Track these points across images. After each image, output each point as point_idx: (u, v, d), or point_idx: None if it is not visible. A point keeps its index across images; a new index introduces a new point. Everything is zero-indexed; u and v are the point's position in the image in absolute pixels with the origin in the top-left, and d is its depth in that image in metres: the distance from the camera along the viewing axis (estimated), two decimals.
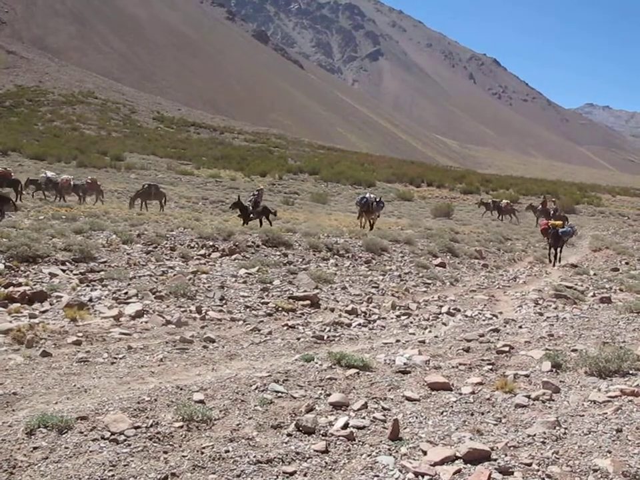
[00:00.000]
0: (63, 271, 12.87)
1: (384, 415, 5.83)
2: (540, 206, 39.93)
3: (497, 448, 5.01)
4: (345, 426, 5.51)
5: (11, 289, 10.90)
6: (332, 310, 12.21)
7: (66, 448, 4.96)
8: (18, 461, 4.74)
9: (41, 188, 31.32)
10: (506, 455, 4.89)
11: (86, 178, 34.21)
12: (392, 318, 12.13)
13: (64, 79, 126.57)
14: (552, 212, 37.14)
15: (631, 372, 6.94)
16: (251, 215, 23.48)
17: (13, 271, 12.26)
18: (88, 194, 32.37)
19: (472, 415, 5.85)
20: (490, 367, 7.52)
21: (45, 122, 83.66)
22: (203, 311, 10.92)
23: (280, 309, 11.66)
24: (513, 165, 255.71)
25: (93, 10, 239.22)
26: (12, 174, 29.74)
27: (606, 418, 5.59)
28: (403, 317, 12.15)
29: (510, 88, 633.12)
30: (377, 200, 26.56)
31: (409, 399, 6.32)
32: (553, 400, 6.19)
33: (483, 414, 5.87)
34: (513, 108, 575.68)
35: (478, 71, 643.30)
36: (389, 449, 5.10)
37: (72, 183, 31.37)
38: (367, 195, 27.19)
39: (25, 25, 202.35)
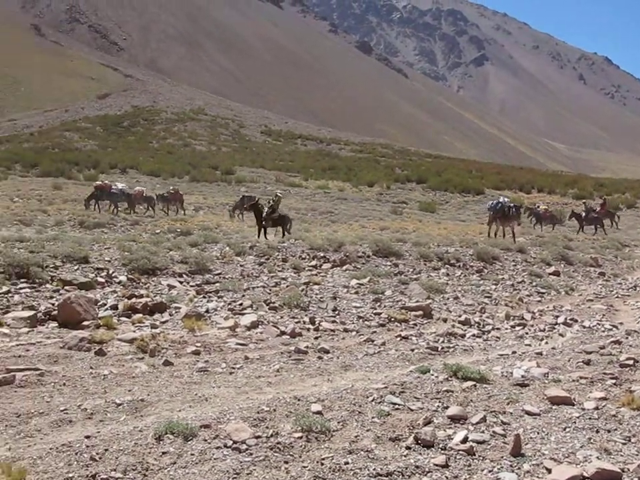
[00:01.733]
0: (180, 282, 13.32)
1: (504, 430, 5.70)
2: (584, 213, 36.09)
3: (628, 470, 4.78)
4: (465, 440, 5.41)
5: (133, 300, 11.36)
6: (445, 320, 12.08)
7: (192, 454, 5.13)
8: (149, 464, 4.95)
9: (114, 199, 32.14)
10: (639, 478, 4.67)
11: (169, 189, 35.18)
12: (506, 328, 11.87)
13: (176, 97, 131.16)
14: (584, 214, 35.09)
15: None
16: (263, 222, 22.27)
17: (134, 283, 12.79)
18: (171, 204, 33.26)
19: (597, 432, 5.62)
20: (613, 381, 7.19)
21: (159, 139, 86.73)
22: (316, 322, 11.02)
23: (392, 319, 11.63)
24: (628, 168, 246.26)
25: (201, 31, 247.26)
26: (112, 187, 31.02)
27: None
28: (517, 328, 11.87)
29: (623, 87, 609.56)
30: (514, 206, 24.72)
31: (528, 413, 6.14)
32: None
33: (609, 431, 5.62)
34: (628, 108, 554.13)
35: (588, 71, 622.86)
36: (511, 465, 4.98)
37: (144, 194, 32.39)
38: (501, 199, 25.40)
39: (140, 50, 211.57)
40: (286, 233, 22.26)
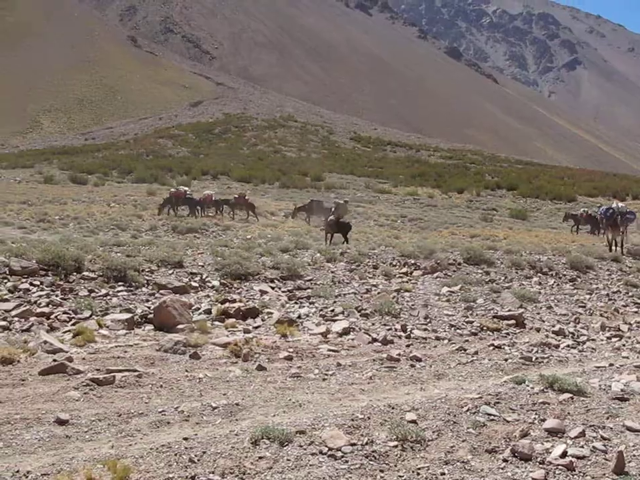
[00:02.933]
0: (272, 288, 13.46)
1: (604, 445, 5.51)
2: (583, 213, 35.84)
3: None
4: (564, 454, 5.27)
5: (226, 304, 11.56)
6: (538, 330, 11.81)
7: (288, 460, 5.18)
8: (246, 468, 5.03)
9: (191, 205, 32.62)
10: None
11: (234, 194, 35.58)
12: (602, 340, 11.50)
13: (266, 104, 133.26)
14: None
15: None
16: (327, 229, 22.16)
17: (227, 288, 13.01)
18: (237, 209, 33.54)
19: None
20: None
21: (250, 146, 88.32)
22: (408, 330, 10.96)
23: (485, 328, 11.45)
24: None
25: (291, 39, 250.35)
26: (187, 193, 31.70)
27: None
28: (614, 339, 11.47)
29: None
30: (627, 211, 22.60)
31: (630, 429, 5.92)
32: None
33: None
34: None
35: None
36: None
37: (214, 198, 32.80)
38: (614, 205, 23.13)
39: (232, 58, 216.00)
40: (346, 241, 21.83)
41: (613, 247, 21.68)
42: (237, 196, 34.28)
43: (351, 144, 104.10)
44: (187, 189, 34.09)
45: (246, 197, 33.78)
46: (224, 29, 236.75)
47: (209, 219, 31.09)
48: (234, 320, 10.83)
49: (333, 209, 23.26)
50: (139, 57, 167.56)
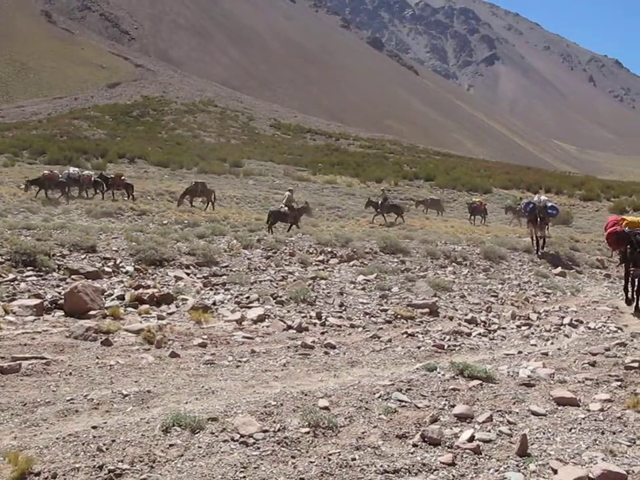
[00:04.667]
0: (188, 274, 13.33)
1: (510, 429, 5.71)
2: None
3: (633, 472, 4.79)
4: (471, 439, 5.42)
5: (140, 290, 11.37)
6: (451, 318, 12.05)
7: (199, 447, 5.14)
8: (157, 456, 4.97)
9: (62, 187, 31.74)
10: None
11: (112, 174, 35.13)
12: (512, 328, 11.84)
13: (186, 88, 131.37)
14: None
15: None
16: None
17: (141, 274, 12.81)
18: (115, 189, 33.08)
19: (602, 433, 5.63)
20: (618, 383, 7.20)
21: (168, 130, 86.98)
22: (323, 317, 11.02)
23: (399, 316, 11.60)
24: (635, 171, 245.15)
25: (213, 23, 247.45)
26: (59, 176, 31.03)
27: None
28: (523, 328, 11.83)
29: (633, 90, 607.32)
30: (548, 206, 21.28)
31: (534, 413, 6.15)
32: None
33: (614, 433, 5.63)
34: (636, 111, 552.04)
35: (598, 73, 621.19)
36: (517, 465, 4.99)
37: (92, 179, 32.29)
38: (535, 199, 22.10)
39: (151, 40, 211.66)
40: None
41: (534, 242, 21.19)
42: (113, 176, 33.73)
43: (271, 131, 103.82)
44: (73, 169, 33.02)
45: (122, 178, 33.27)
46: (144, 9, 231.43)
47: (124, 202, 30.47)
48: (148, 306, 10.67)
49: (284, 199, 24.65)
50: (53, 34, 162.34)
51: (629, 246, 13.37)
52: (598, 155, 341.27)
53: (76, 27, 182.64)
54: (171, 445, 5.16)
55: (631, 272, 13.40)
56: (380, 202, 31.44)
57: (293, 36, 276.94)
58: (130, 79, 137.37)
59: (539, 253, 20.34)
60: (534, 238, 21.24)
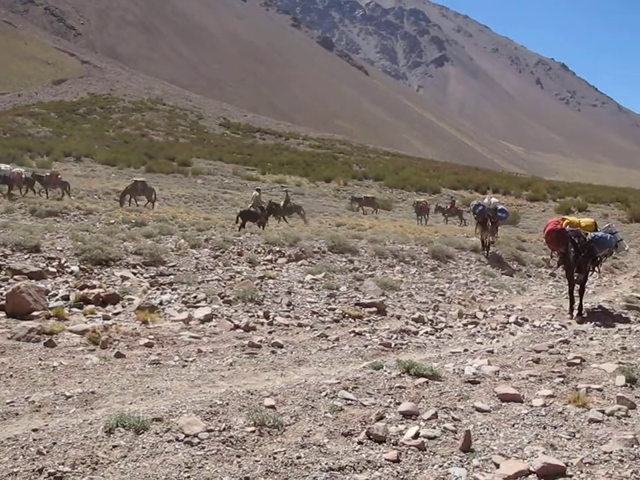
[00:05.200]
0: (134, 274, 13.16)
1: (454, 426, 5.77)
2: (449, 206, 39.61)
3: (572, 464, 4.90)
4: (416, 435, 5.47)
5: (85, 290, 11.18)
6: (398, 317, 12.14)
7: (143, 448, 5.08)
8: (100, 458, 4.89)
9: None
10: (581, 472, 4.78)
11: (47, 171, 34.49)
12: (459, 326, 11.98)
13: (134, 86, 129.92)
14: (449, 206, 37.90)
15: None
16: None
17: (87, 273, 12.60)
18: (50, 187, 32.52)
19: (544, 428, 5.74)
20: (561, 379, 7.36)
21: (116, 128, 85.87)
22: (271, 316, 10.99)
23: (347, 315, 11.64)
24: (580, 172, 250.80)
25: (162, 20, 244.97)
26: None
27: None
28: (470, 326, 11.98)
29: (578, 93, 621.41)
30: (498, 208, 20.71)
31: (479, 409, 6.24)
32: (629, 416, 6.03)
33: (555, 428, 5.74)
34: (582, 113, 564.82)
35: (545, 76, 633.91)
36: (461, 461, 5.05)
37: (23, 176, 31.72)
38: (485, 201, 21.48)
39: (98, 36, 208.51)
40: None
41: (483, 244, 20.87)
42: (48, 174, 33.09)
43: (220, 130, 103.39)
44: (5, 166, 32.16)
45: (59, 176, 32.70)
46: (91, 4, 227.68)
47: (71, 202, 29.94)
48: (93, 306, 10.50)
49: (252, 199, 25.24)
50: None
51: (572, 249, 12.98)
52: (545, 157, 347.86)
53: (19, 20, 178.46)
54: (114, 446, 5.09)
55: (575, 276, 13.09)
56: (282, 203, 31.03)
57: (244, 35, 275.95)
58: (76, 75, 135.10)
59: (488, 255, 20.36)
60: (483, 240, 20.92)
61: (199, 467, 4.79)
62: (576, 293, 13.29)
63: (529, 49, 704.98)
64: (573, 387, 7.05)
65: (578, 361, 8.17)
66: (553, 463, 4.81)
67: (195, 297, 11.79)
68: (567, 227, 13.44)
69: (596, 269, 14.22)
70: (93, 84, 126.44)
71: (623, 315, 13.24)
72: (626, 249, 14.80)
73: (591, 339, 10.31)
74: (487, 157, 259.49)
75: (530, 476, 4.74)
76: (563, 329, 11.80)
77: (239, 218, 24.15)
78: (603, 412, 6.09)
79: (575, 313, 12.96)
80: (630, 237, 32.64)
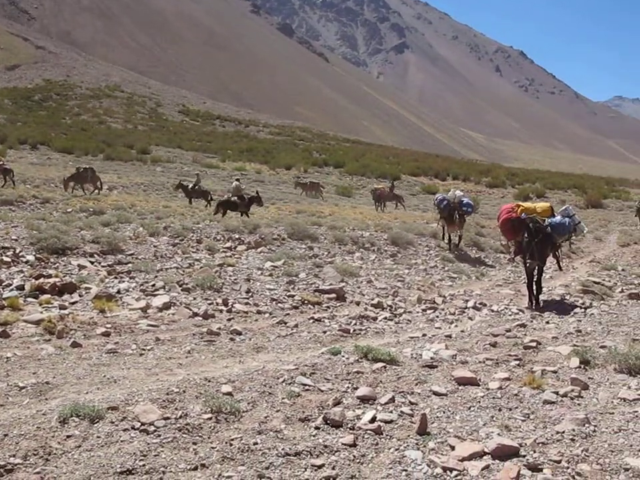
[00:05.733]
0: (92, 262, 13.01)
1: (411, 410, 5.81)
2: (388, 190, 38.58)
3: (526, 444, 4.98)
4: (373, 420, 5.51)
5: (41, 280, 11.01)
6: (358, 303, 12.18)
7: (98, 437, 5.03)
8: (53, 449, 4.83)
9: None
10: (535, 452, 4.86)
11: None
12: (418, 312, 12.05)
13: (91, 73, 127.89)
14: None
15: None
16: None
17: (43, 263, 12.42)
18: None
19: (500, 410, 5.82)
20: (517, 362, 7.47)
21: (73, 115, 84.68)
22: (230, 304, 10.95)
23: (306, 301, 11.65)
24: (539, 159, 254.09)
25: (119, 5, 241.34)
26: None
27: (636, 416, 5.53)
28: (428, 311, 12.06)
29: (537, 81, 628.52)
30: (464, 202, 19.67)
31: (436, 393, 6.30)
32: (582, 397, 6.14)
33: (510, 410, 5.83)
34: (540, 101, 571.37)
35: (504, 64, 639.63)
36: (417, 444, 5.09)
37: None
38: (449, 194, 20.34)
39: (53, 20, 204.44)
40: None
41: (446, 240, 20.04)
42: None
43: (180, 117, 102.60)
44: None
45: (1, 163, 32.07)
46: None
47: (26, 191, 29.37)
48: (49, 296, 10.35)
49: (232, 189, 25.32)
50: None
51: (526, 235, 12.53)
52: (504, 143, 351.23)
53: None
54: (68, 437, 5.03)
55: (527, 263, 12.75)
56: (190, 186, 30.84)
57: (202, 20, 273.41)
58: (30, 61, 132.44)
59: (452, 249, 19.56)
60: (448, 236, 20.03)
61: (155, 455, 4.76)
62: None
63: (488, 36, 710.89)
64: (528, 369, 7.14)
65: (534, 344, 8.29)
66: (507, 444, 4.88)
67: (153, 285, 11.70)
68: (523, 214, 12.86)
69: (557, 254, 13.72)
70: (49, 70, 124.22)
71: (579, 299, 13.44)
72: (585, 231, 14.41)
73: (548, 322, 10.48)
74: (446, 144, 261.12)
75: (484, 457, 4.80)
76: (521, 313, 11.94)
77: (219, 208, 24.01)
78: (557, 393, 6.19)
79: (534, 304, 12.60)
80: (587, 223, 33.06)
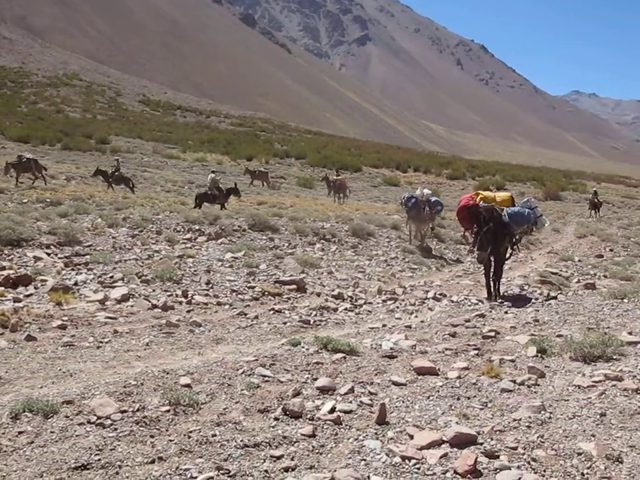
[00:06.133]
0: (48, 254, 12.80)
1: (371, 400, 5.82)
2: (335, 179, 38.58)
3: (483, 432, 5.02)
4: (332, 410, 5.50)
5: None
6: (318, 294, 12.18)
7: (52, 432, 4.93)
8: (3, 446, 4.71)
9: None
10: (492, 439, 4.90)
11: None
12: (378, 303, 12.09)
13: (48, 60, 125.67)
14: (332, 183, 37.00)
15: (614, 357, 6.98)
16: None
17: None
18: None
19: (458, 399, 5.86)
20: (476, 352, 7.54)
21: (29, 104, 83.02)
22: (189, 295, 10.87)
23: (266, 293, 11.61)
24: (499, 152, 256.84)
25: None
26: None
27: (590, 402, 5.62)
28: (389, 302, 12.11)
29: (497, 74, 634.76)
30: (432, 201, 19.45)
31: (395, 383, 6.32)
32: (538, 385, 6.22)
33: (469, 398, 5.88)
34: (500, 94, 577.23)
35: (465, 57, 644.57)
36: (376, 433, 5.10)
37: None
38: (417, 193, 19.88)
39: (7, 5, 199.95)
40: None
41: (414, 239, 19.58)
42: None
43: (140, 107, 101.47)
44: None
45: None
46: None
47: None
48: (3, 289, 10.13)
49: (209, 182, 25.38)
50: None
51: (475, 224, 12.22)
52: (465, 136, 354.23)
53: None
54: (20, 432, 4.91)
55: (476, 254, 12.50)
56: (110, 172, 30.38)
57: (164, 9, 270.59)
58: None
59: (419, 242, 19.36)
60: (415, 233, 19.66)
61: (111, 449, 4.68)
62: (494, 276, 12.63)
63: (449, 30, 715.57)
64: (487, 358, 7.22)
65: (493, 334, 8.40)
66: (465, 432, 4.92)
67: (111, 277, 11.57)
68: (481, 202, 12.42)
69: (515, 247, 13.33)
70: (3, 56, 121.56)
71: (537, 289, 13.60)
72: (546, 225, 14.08)
73: (506, 312, 10.59)
74: (408, 136, 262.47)
75: (443, 445, 4.82)
76: (480, 303, 12.04)
77: (197, 200, 24.10)
78: (514, 382, 6.26)
79: (493, 295, 12.33)
80: (545, 215, 33.60)
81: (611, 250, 22.62)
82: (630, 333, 8.02)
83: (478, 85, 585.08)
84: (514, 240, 12.97)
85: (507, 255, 13.08)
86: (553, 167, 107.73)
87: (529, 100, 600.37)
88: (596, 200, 37.26)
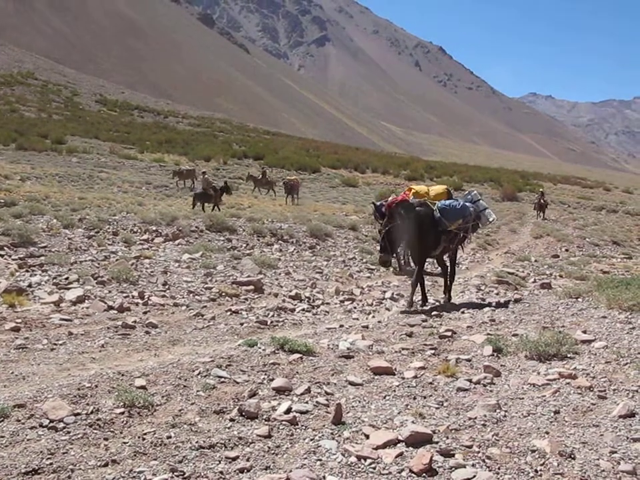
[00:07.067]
0: (1, 256, 12.60)
1: (327, 400, 5.85)
2: (260, 176, 40.14)
3: (439, 431, 5.07)
4: (288, 411, 5.51)
5: None
6: (275, 295, 12.18)
7: (2, 437, 4.83)
8: None
9: None
10: (447, 438, 4.94)
11: None
12: (335, 303, 12.14)
13: (1, 58, 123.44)
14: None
15: (569, 355, 7.10)
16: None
17: None
18: None
19: (414, 399, 5.91)
20: (432, 351, 7.62)
21: None
22: (146, 297, 10.79)
23: (223, 294, 11.59)
24: (457, 153, 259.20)
25: None
26: None
27: (544, 400, 5.71)
28: (346, 302, 12.16)
29: (455, 76, 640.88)
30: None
31: (352, 383, 6.36)
32: (494, 383, 6.31)
33: (425, 398, 5.93)
34: (458, 96, 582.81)
35: (424, 59, 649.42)
36: (332, 433, 5.11)
37: None
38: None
39: None
40: None
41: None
42: None
43: (97, 107, 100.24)
44: None
45: None
46: None
47: None
48: None
49: (203, 183, 26.42)
50: None
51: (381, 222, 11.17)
52: (423, 137, 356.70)
53: None
54: None
55: (379, 256, 11.34)
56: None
57: (120, 8, 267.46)
58: None
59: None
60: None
61: (63, 453, 4.62)
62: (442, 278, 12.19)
63: (408, 31, 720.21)
64: (443, 358, 7.30)
65: (449, 333, 8.51)
66: (421, 431, 4.95)
67: (66, 279, 11.43)
68: (412, 197, 11.53)
69: (461, 245, 12.48)
70: None
71: (494, 289, 13.78)
72: (490, 219, 12.38)
73: (463, 312, 10.69)
74: (366, 137, 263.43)
75: (399, 444, 4.85)
76: (437, 303, 12.15)
77: (195, 200, 24.96)
78: (470, 381, 6.34)
79: (419, 300, 11.65)
80: (502, 215, 34.11)
81: (567, 250, 23.03)
82: (584, 332, 8.16)
83: (436, 87, 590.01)
84: (458, 237, 11.88)
85: (453, 254, 12.41)
86: (510, 167, 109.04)
87: (486, 101, 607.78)
88: (542, 201, 37.32)
